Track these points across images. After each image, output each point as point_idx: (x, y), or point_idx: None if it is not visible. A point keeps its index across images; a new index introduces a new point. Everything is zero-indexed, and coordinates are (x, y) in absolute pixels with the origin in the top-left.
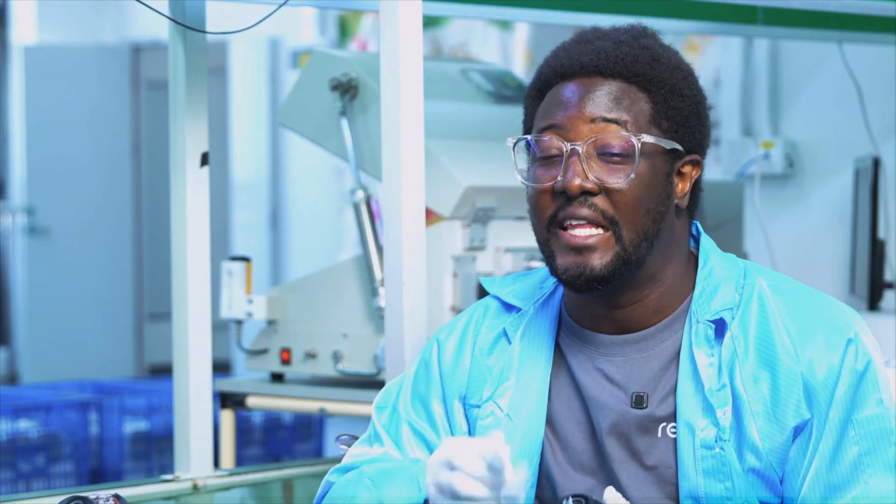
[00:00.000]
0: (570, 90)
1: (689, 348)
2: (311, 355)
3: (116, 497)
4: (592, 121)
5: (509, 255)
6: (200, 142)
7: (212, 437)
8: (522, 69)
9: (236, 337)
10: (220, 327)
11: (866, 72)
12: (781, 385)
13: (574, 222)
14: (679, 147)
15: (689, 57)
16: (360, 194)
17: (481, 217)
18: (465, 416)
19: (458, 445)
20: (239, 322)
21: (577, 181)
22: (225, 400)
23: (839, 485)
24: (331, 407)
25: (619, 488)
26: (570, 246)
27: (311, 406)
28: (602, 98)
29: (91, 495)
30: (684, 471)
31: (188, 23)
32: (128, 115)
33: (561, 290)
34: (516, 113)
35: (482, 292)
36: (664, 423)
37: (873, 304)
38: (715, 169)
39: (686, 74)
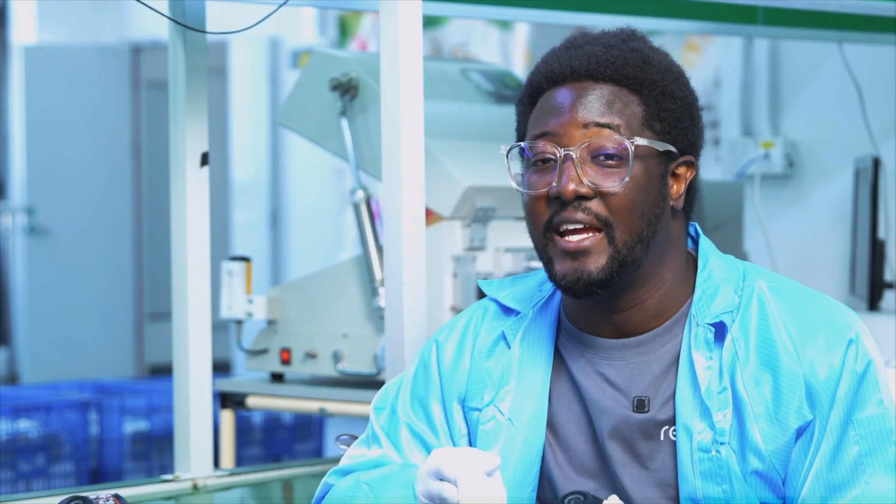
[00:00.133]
0: (561, 96)
1: (689, 352)
2: (311, 355)
3: (116, 497)
4: (585, 126)
5: (509, 256)
6: (200, 142)
7: (212, 437)
8: (522, 69)
9: (236, 337)
10: (220, 327)
11: (866, 72)
12: (783, 387)
13: (570, 227)
14: (672, 149)
15: (689, 57)
16: (360, 194)
17: (481, 217)
18: (465, 418)
19: (446, 455)
20: (239, 322)
21: (572, 186)
22: (225, 400)
23: (839, 485)
24: (331, 407)
25: (621, 491)
26: (566, 251)
27: (311, 406)
28: (594, 103)
29: (91, 495)
30: (683, 473)
31: (188, 23)
32: (128, 115)
33: (560, 293)
34: None
35: (482, 293)
36: (666, 427)
37: (873, 304)
38: (715, 169)
39: (677, 76)
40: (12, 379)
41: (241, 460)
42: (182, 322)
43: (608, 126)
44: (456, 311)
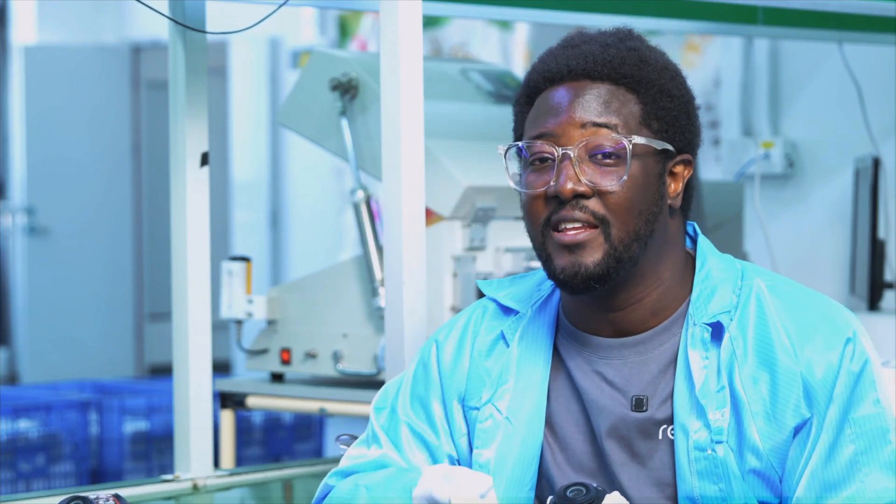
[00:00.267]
0: (559, 95)
1: (686, 351)
2: (311, 355)
3: (116, 497)
4: (583, 125)
5: (509, 255)
6: (200, 142)
7: (212, 437)
8: (522, 69)
9: (236, 337)
10: (220, 327)
11: (866, 72)
12: (781, 385)
13: (568, 225)
14: (670, 147)
15: (689, 57)
16: (360, 194)
17: (481, 217)
18: (464, 417)
19: (437, 478)
20: (239, 322)
21: (570, 185)
22: (225, 400)
23: (835, 483)
24: (331, 407)
25: (620, 490)
26: (562, 244)
27: (311, 406)
28: (591, 102)
29: (91, 495)
30: (681, 472)
31: (188, 23)
32: (128, 115)
33: (558, 292)
34: None
35: (482, 292)
36: (664, 426)
37: (873, 304)
38: (715, 169)
39: (674, 74)
40: (12, 379)
41: (241, 460)
42: (182, 322)
43: (606, 125)
44: (456, 311)
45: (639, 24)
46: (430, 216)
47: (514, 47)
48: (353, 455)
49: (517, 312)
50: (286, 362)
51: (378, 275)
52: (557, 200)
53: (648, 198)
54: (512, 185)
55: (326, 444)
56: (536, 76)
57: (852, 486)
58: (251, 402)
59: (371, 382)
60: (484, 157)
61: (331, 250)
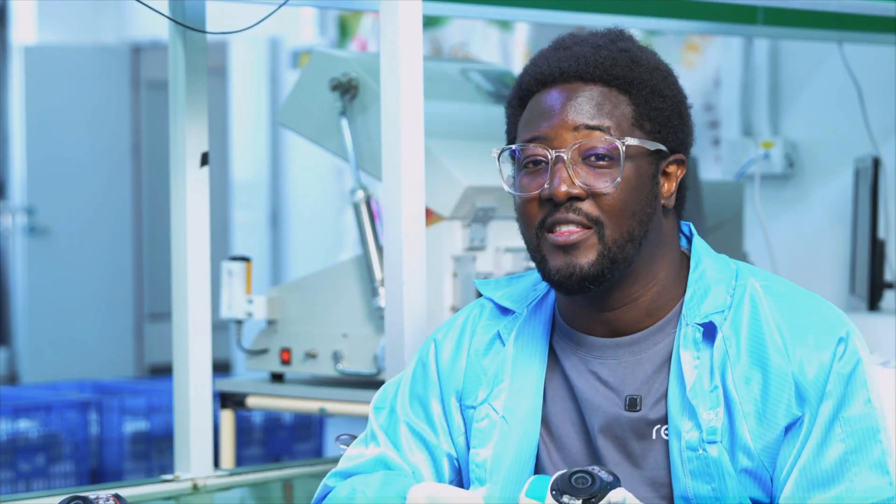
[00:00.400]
0: (551, 98)
1: (678, 351)
2: (311, 355)
3: (116, 497)
4: (576, 128)
5: (509, 255)
6: (200, 142)
7: (212, 437)
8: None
9: (236, 337)
10: (220, 327)
11: (866, 72)
12: (772, 385)
13: (562, 227)
14: (663, 148)
15: (689, 57)
16: (360, 194)
17: (481, 217)
18: (462, 415)
19: (422, 499)
20: (239, 322)
21: (564, 188)
22: (225, 400)
23: (824, 481)
24: (331, 407)
25: None
26: (556, 245)
27: (311, 406)
28: (584, 104)
29: (91, 495)
30: (675, 472)
31: (188, 23)
32: (128, 115)
33: (554, 292)
34: None
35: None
36: (658, 426)
37: (873, 304)
38: (715, 169)
39: (666, 75)
40: (12, 379)
41: (241, 460)
42: (182, 322)
43: (598, 128)
44: (456, 310)
45: (639, 24)
46: (430, 216)
47: (514, 47)
48: (351, 455)
49: (513, 312)
50: (286, 362)
51: (378, 275)
52: (552, 203)
53: (642, 198)
54: (506, 188)
55: (326, 444)
56: (528, 79)
57: (841, 485)
58: (251, 402)
59: (371, 382)
60: (484, 157)
61: (331, 250)
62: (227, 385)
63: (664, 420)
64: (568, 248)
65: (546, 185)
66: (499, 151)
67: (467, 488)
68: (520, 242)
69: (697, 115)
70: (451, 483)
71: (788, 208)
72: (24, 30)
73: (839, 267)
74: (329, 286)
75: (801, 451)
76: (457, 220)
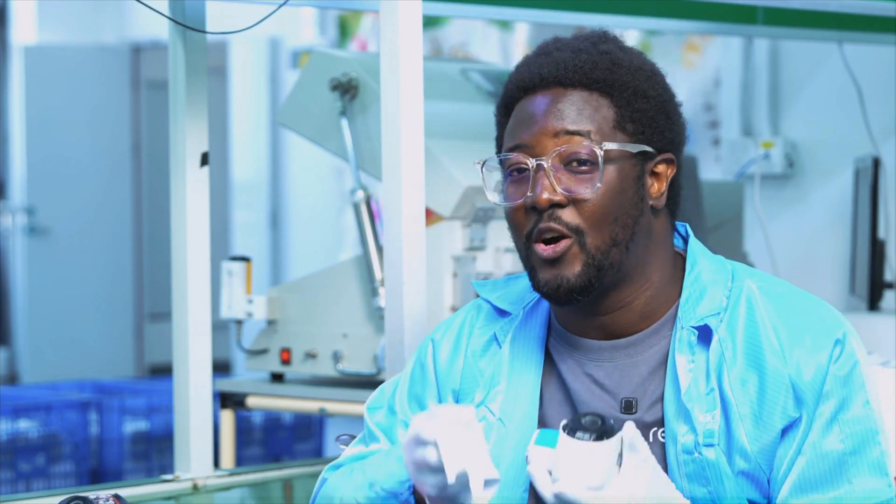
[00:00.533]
0: (532, 105)
1: (674, 354)
2: (311, 355)
3: (116, 497)
4: (556, 135)
5: (509, 256)
6: (200, 142)
7: (212, 437)
8: None
9: (236, 337)
10: (220, 327)
11: (866, 72)
12: (768, 387)
13: (547, 236)
14: (648, 149)
15: (689, 57)
16: (360, 194)
17: (481, 217)
18: None
19: (422, 418)
20: (239, 322)
21: (546, 195)
22: (225, 400)
23: (822, 483)
24: (331, 407)
25: None
26: (543, 259)
27: (311, 406)
28: (564, 110)
29: (91, 495)
30: (671, 475)
31: (188, 23)
32: (128, 115)
33: None
34: None
35: None
36: (655, 429)
37: (873, 304)
38: (715, 169)
39: (649, 75)
40: (12, 379)
41: (241, 460)
42: (182, 322)
43: (578, 133)
44: (456, 311)
45: (639, 24)
46: (430, 216)
47: (514, 47)
48: (350, 454)
49: (510, 314)
50: (286, 362)
51: (378, 275)
52: (536, 211)
53: (626, 202)
54: (490, 197)
55: (326, 444)
56: (511, 86)
57: (840, 487)
58: (251, 402)
59: (371, 382)
60: (484, 158)
61: (331, 250)
62: (227, 385)
63: (660, 423)
64: (554, 261)
65: (529, 193)
66: (481, 162)
67: None
68: None
69: (697, 115)
70: None
71: (788, 208)
72: (24, 30)
73: (839, 267)
74: (329, 286)
75: (798, 453)
76: (457, 220)
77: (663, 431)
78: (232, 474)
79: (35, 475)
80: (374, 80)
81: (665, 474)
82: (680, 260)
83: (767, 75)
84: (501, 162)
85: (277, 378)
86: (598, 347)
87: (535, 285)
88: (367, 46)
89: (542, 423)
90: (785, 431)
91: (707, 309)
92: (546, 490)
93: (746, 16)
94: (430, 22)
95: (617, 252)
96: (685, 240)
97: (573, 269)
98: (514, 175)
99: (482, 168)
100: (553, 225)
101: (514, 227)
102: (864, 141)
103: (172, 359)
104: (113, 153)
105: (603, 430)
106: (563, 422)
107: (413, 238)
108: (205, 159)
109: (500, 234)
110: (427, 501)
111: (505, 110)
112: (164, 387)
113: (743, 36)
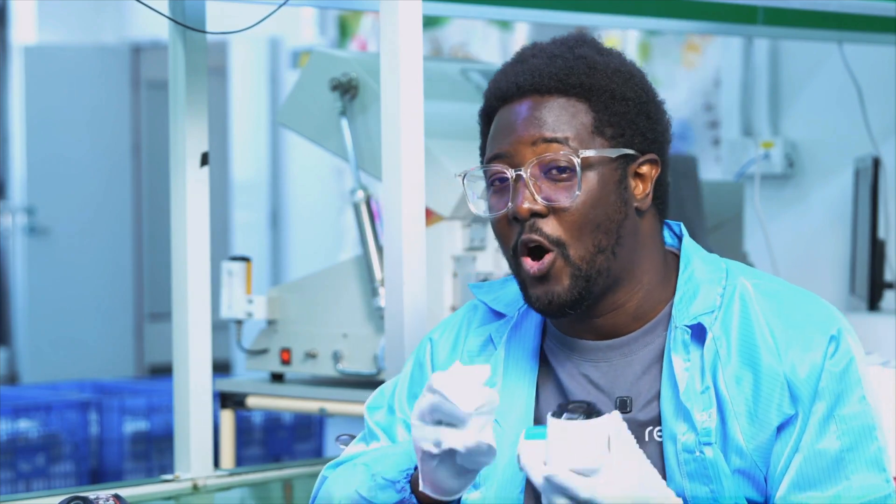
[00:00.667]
0: (510, 114)
1: (670, 354)
2: (311, 355)
3: (116, 497)
4: (534, 143)
5: None
6: (200, 142)
7: (212, 437)
8: None
9: (236, 337)
10: (220, 327)
11: (866, 72)
12: (763, 385)
13: (531, 246)
14: (629, 151)
15: (689, 57)
16: (360, 194)
17: (481, 217)
18: None
19: (437, 377)
20: (239, 322)
21: (526, 205)
22: (225, 400)
23: (820, 480)
24: (331, 407)
25: None
26: (531, 276)
27: (311, 406)
28: (541, 118)
29: (91, 495)
30: (671, 474)
31: (188, 23)
32: (128, 115)
33: None
34: None
35: None
36: (650, 427)
37: (873, 304)
38: (715, 169)
39: (627, 77)
40: (12, 379)
41: (241, 460)
42: (182, 322)
43: (556, 140)
44: (455, 310)
45: (639, 24)
46: (430, 216)
47: (514, 47)
48: (350, 453)
49: (506, 315)
50: (286, 362)
51: (378, 275)
52: (518, 221)
53: (609, 207)
54: (472, 209)
55: (326, 444)
56: (490, 96)
57: (838, 484)
58: (251, 402)
59: (371, 382)
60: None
61: (331, 250)
62: (227, 385)
63: (655, 421)
64: (541, 277)
65: (510, 204)
66: (463, 174)
67: None
68: None
69: (697, 115)
70: None
71: (788, 208)
72: (24, 30)
73: (839, 267)
74: (329, 286)
75: (795, 451)
76: (457, 220)
77: (659, 430)
78: (232, 474)
79: (35, 475)
80: (374, 80)
81: (653, 467)
82: (673, 259)
83: (767, 75)
84: (485, 172)
85: (277, 378)
86: (593, 348)
87: (527, 300)
88: (367, 46)
89: (538, 423)
90: (781, 429)
91: (701, 307)
92: (537, 475)
93: (746, 16)
94: (430, 22)
95: (603, 258)
96: (681, 239)
97: (562, 284)
98: (497, 185)
99: (463, 180)
100: (534, 236)
101: (500, 239)
102: (864, 141)
103: (172, 359)
104: (113, 153)
105: (591, 411)
106: (551, 410)
107: (413, 238)
108: (205, 159)
109: None
110: (421, 483)
111: (486, 120)
112: (164, 387)
113: (743, 36)
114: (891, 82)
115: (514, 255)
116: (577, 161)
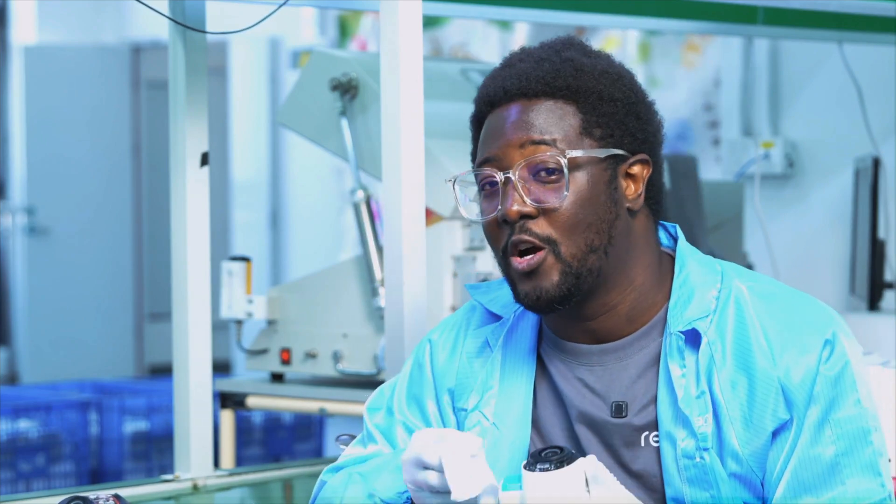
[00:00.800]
0: (499, 118)
1: (666, 360)
2: (311, 355)
3: (116, 497)
4: (522, 146)
5: None
6: (200, 142)
7: (212, 437)
8: None
9: (236, 337)
10: (220, 327)
11: (866, 72)
12: (758, 389)
13: (522, 247)
14: (618, 152)
15: (689, 57)
16: (360, 194)
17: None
18: (455, 415)
19: (426, 441)
20: (239, 322)
21: (515, 207)
22: (225, 400)
23: (816, 485)
24: (331, 407)
25: None
26: (519, 272)
27: (311, 406)
28: (529, 121)
29: (91, 495)
30: (669, 479)
31: (188, 23)
32: (128, 115)
33: None
34: None
35: None
36: (646, 432)
37: (873, 304)
38: (715, 169)
39: (615, 78)
40: (12, 379)
41: (241, 460)
42: (182, 322)
43: (543, 142)
44: (455, 310)
45: (639, 24)
46: (430, 216)
47: (513, 47)
48: (349, 454)
49: (502, 317)
50: (286, 362)
51: (378, 275)
52: (508, 224)
53: (599, 207)
54: (462, 213)
55: (326, 444)
56: (479, 101)
57: (833, 489)
58: (251, 402)
59: (371, 382)
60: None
61: (331, 250)
62: (227, 385)
63: (652, 426)
64: (531, 273)
65: (500, 207)
66: (453, 179)
67: None
68: None
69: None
70: None
71: (788, 208)
72: (24, 30)
73: (839, 267)
74: (329, 286)
75: (790, 455)
76: (457, 220)
77: (655, 435)
78: (232, 474)
79: (35, 475)
80: (374, 80)
81: (636, 499)
82: (668, 260)
83: (767, 75)
84: (476, 176)
85: (277, 378)
86: (587, 351)
87: (516, 297)
88: (367, 46)
89: (536, 425)
90: (776, 434)
91: (696, 312)
92: None
93: (746, 16)
94: (430, 22)
95: (595, 258)
96: (676, 240)
97: (551, 280)
98: (487, 189)
99: (453, 185)
100: (525, 237)
101: (491, 241)
102: (864, 141)
103: (172, 359)
104: (113, 153)
105: (563, 457)
106: (524, 463)
107: (413, 238)
108: (205, 159)
109: None
110: None
111: (476, 125)
112: (164, 387)
113: (743, 36)
114: (891, 82)
115: (503, 255)
116: (564, 162)
